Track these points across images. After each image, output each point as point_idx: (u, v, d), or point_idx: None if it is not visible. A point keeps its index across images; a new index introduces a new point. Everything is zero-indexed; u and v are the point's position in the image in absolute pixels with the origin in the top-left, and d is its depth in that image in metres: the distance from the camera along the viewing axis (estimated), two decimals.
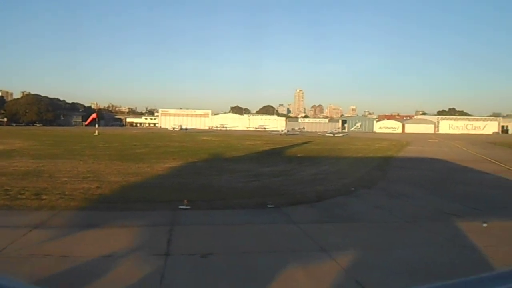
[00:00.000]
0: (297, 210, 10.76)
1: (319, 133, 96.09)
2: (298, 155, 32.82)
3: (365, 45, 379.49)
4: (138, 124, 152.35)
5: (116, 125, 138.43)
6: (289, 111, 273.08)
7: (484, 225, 8.88)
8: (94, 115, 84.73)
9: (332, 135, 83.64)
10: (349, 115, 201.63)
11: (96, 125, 75.44)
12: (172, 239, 7.73)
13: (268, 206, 11.10)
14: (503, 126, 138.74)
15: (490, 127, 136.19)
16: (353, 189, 14.49)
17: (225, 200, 11.99)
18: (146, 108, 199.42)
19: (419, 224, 9.41)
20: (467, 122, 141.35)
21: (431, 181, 17.87)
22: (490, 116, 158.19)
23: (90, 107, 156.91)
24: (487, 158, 31.52)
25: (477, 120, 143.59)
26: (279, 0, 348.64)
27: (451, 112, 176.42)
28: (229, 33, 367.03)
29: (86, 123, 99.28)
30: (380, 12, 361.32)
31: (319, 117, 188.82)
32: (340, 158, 30.03)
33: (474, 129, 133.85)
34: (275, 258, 6.77)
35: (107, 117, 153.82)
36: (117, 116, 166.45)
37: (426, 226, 9.26)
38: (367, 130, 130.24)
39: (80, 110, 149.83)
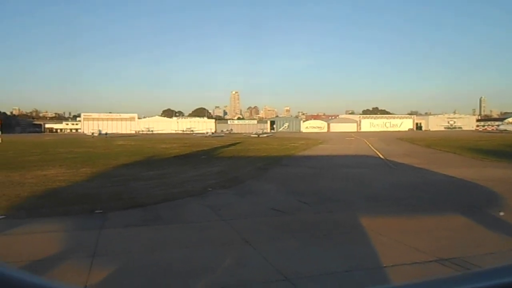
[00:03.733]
0: (124, 214, 10.44)
1: (244, 134, 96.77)
2: (202, 157, 32.68)
3: (300, 47, 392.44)
4: (59, 130, 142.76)
5: (34, 132, 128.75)
6: (225, 113, 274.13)
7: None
8: None
9: (257, 136, 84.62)
10: (284, 116, 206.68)
11: None
12: None
13: (96, 211, 10.69)
14: (417, 123, 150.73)
15: (406, 124, 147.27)
16: (210, 189, 14.50)
17: (57, 207, 11.35)
18: (70, 113, 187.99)
19: (228, 222, 9.50)
20: (385, 120, 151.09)
21: (298, 177, 18.52)
22: (408, 114, 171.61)
23: (4, 113, 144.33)
24: (379, 152, 33.70)
25: (394, 118, 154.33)
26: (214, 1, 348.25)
27: (374, 111, 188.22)
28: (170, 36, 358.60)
29: None
30: (313, 15, 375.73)
31: (254, 119, 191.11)
32: (240, 158, 30.30)
33: (392, 126, 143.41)
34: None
35: (24, 123, 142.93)
36: (36, 122, 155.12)
37: (233, 224, 9.39)
38: (294, 130, 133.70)
39: None
